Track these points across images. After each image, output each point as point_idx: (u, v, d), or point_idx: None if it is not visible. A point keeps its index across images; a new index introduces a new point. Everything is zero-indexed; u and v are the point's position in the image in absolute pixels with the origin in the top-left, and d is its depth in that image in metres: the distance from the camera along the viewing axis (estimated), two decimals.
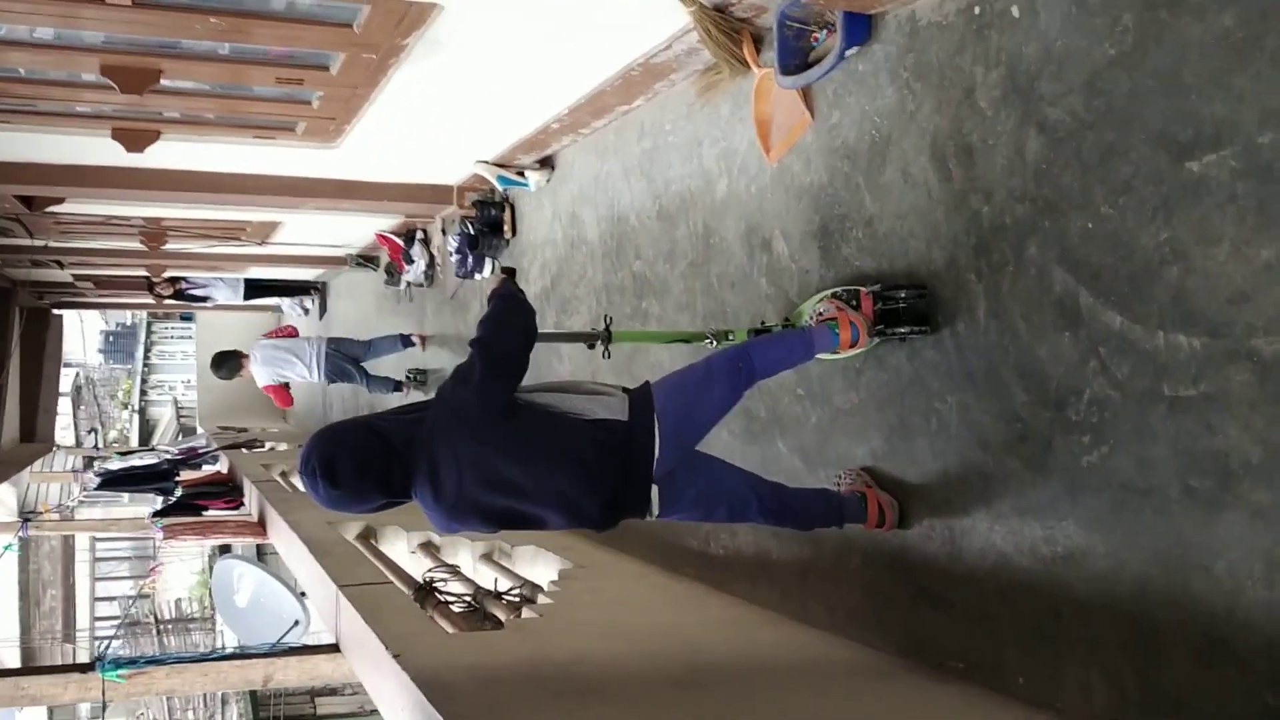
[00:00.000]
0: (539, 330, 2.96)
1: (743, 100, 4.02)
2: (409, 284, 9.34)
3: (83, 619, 26.86)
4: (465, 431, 2.72)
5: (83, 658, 24.81)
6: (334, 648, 4.30)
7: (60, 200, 7.45)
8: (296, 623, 7.99)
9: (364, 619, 3.65)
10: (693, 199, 4.42)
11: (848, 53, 3.31)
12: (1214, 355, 2.22)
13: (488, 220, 6.77)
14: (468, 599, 4.53)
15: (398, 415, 2.84)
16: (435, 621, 3.93)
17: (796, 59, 3.54)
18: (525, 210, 6.47)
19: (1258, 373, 2.13)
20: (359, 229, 9.34)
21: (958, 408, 2.97)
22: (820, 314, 3.32)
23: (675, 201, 4.57)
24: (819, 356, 3.34)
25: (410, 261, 8.92)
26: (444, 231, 8.25)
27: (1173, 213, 2.31)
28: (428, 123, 5.58)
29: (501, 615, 4.28)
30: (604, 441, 2.80)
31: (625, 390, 2.96)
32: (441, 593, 4.54)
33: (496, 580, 4.81)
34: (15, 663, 24.90)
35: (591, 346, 3.58)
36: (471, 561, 5.46)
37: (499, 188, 6.38)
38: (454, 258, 7.25)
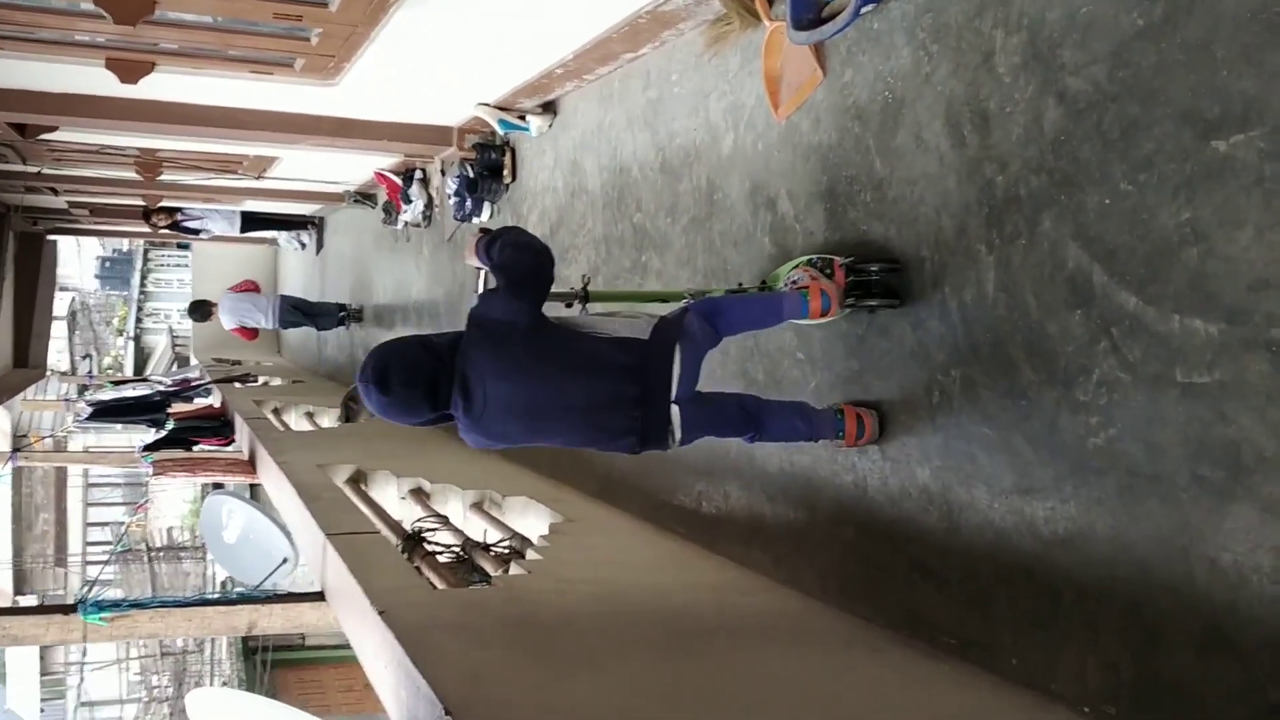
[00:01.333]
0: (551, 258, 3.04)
1: (752, 54, 3.91)
2: (406, 224, 9.22)
3: (75, 544, 26.95)
4: (489, 345, 2.87)
5: (74, 583, 24.98)
6: (319, 596, 4.27)
7: (54, 128, 7.32)
8: (285, 560, 7.97)
9: (350, 571, 3.61)
10: (697, 153, 4.32)
11: (864, 9, 3.20)
12: (1231, 343, 2.15)
13: (487, 163, 6.66)
14: (456, 550, 4.50)
15: (455, 333, 2.96)
16: (423, 575, 3.88)
17: (810, 13, 3.42)
18: (526, 155, 6.35)
19: (1276, 363, 2.07)
20: (357, 167, 9.20)
21: (961, 381, 2.90)
22: (794, 281, 3.34)
23: (679, 154, 4.47)
24: (793, 322, 3.44)
25: (408, 201, 8.80)
26: (443, 173, 8.13)
27: (1195, 193, 2.23)
28: (429, 63, 5.46)
29: (490, 568, 4.24)
30: (622, 359, 2.92)
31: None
32: (430, 543, 4.51)
33: (486, 532, 4.77)
34: (7, 584, 25.05)
35: (569, 305, 3.58)
36: (461, 511, 5.42)
37: (500, 131, 6.26)
38: (452, 200, 7.15)
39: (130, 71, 5.38)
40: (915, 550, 3.07)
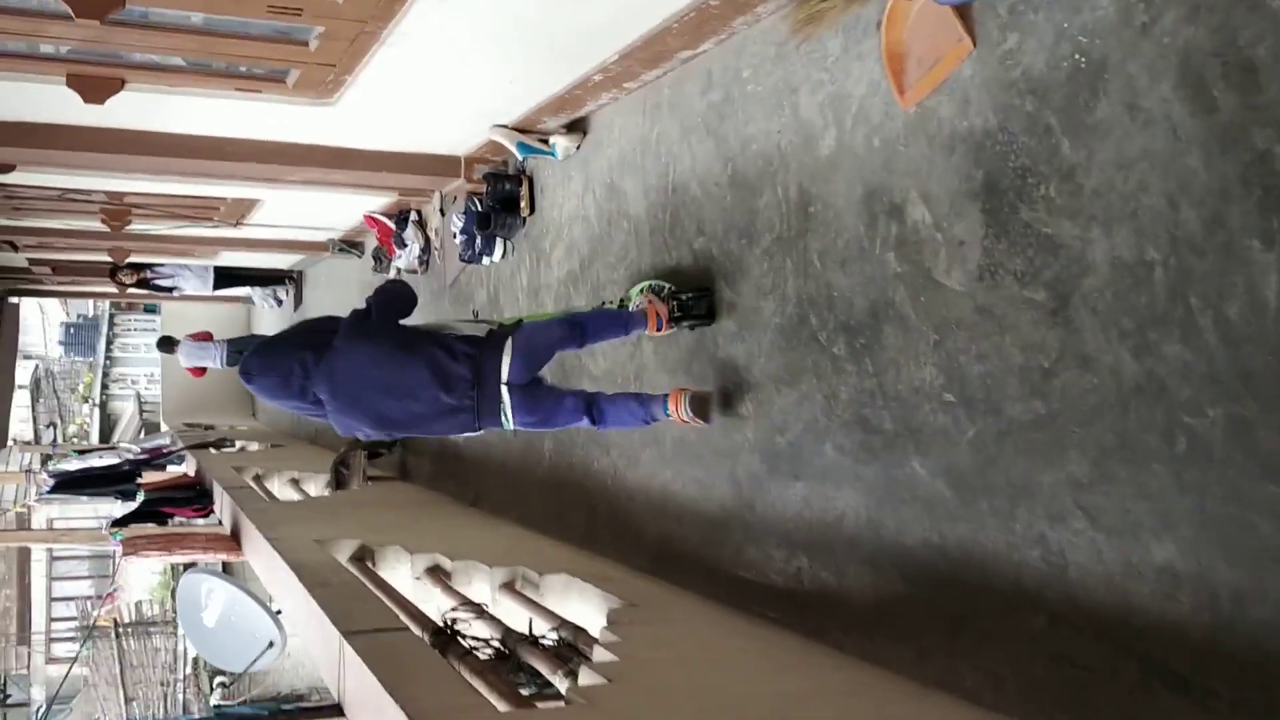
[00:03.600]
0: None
1: (860, 32, 3.21)
2: (400, 270, 8.48)
3: (38, 621, 25.95)
4: (356, 337, 3.79)
5: (38, 662, 23.92)
6: (336, 710, 3.46)
7: (10, 167, 6.55)
8: (271, 644, 7.23)
9: (384, 686, 2.81)
10: (782, 159, 3.60)
11: None
12: None
13: (500, 196, 5.92)
14: (496, 644, 3.72)
15: (328, 330, 3.90)
16: (480, 693, 3.07)
17: None
18: (547, 183, 5.63)
19: None
20: (346, 210, 8.46)
21: (1225, 422, 2.16)
22: (639, 305, 4.20)
23: (756, 164, 3.76)
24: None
25: (402, 245, 8.06)
26: (442, 212, 7.39)
27: None
28: (439, 77, 4.75)
29: (541, 666, 3.47)
30: (461, 348, 3.79)
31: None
32: (464, 637, 3.72)
33: (531, 622, 3.98)
34: None
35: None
36: (490, 593, 4.62)
37: (518, 156, 5.52)
38: (459, 239, 6.41)
39: (96, 90, 4.64)
40: (1154, 649, 2.31)
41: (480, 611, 3.96)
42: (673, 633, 3.58)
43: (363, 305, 3.99)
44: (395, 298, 4.07)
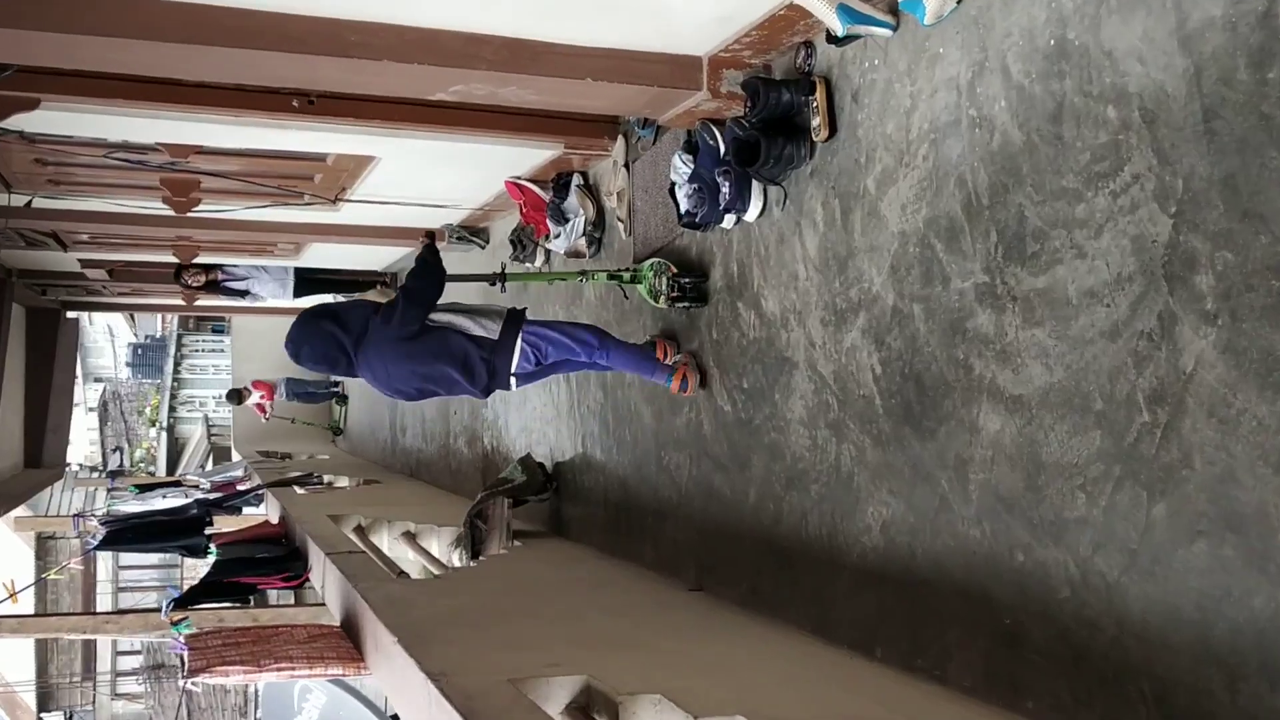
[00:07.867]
0: (447, 273, 4.40)
1: None
2: (551, 254, 6.37)
3: (104, 652, 24.90)
4: (386, 346, 4.28)
5: (103, 700, 22.80)
6: None
7: (33, 103, 4.54)
8: None
9: None
10: None
11: None
12: None
13: (774, 112, 3.72)
14: None
15: (358, 313, 4.39)
16: None
17: None
18: (871, 82, 3.42)
19: None
20: (480, 175, 6.36)
21: None
22: (675, 361, 4.65)
23: None
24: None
25: (561, 220, 5.92)
26: (627, 166, 5.25)
27: None
28: None
29: None
30: (477, 353, 4.28)
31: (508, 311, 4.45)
32: None
33: None
34: (32, 705, 23.02)
35: (492, 284, 5.01)
36: None
37: (839, 30, 3.30)
38: (685, 190, 4.25)
39: None
40: None
41: None
42: None
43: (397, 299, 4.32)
44: (423, 298, 4.29)
